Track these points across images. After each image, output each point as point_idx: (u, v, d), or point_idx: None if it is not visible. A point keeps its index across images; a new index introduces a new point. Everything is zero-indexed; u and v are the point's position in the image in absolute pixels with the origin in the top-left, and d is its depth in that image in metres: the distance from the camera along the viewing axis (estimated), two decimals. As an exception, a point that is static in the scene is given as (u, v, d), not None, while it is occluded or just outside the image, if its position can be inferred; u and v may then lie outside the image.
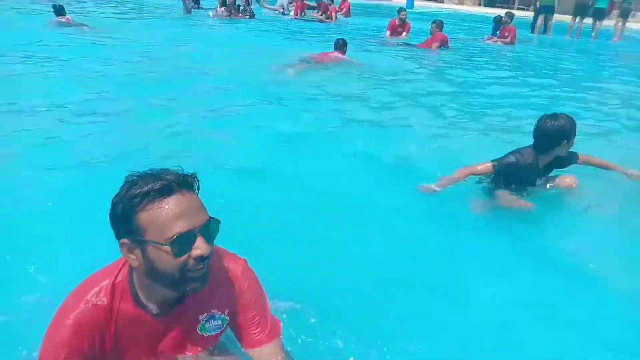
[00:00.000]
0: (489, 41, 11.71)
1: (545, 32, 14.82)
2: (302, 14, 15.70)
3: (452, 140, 4.71)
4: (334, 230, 2.88)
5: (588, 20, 15.23)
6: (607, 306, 2.36)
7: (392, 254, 2.69)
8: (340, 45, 7.84)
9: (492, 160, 3.12)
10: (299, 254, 2.57)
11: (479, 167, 3.15)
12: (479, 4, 34.80)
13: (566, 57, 11.24)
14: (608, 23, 15.79)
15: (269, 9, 16.79)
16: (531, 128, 3.14)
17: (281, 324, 1.67)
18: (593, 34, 14.95)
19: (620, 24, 15.31)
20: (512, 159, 3.07)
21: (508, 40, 11.31)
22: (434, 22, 10.20)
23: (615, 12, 15.85)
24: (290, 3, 16.60)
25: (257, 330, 1.57)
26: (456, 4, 33.14)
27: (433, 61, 9.28)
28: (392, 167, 3.94)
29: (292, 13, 15.95)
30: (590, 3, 14.84)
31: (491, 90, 7.17)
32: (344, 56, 7.86)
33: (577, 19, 14.89)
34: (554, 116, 3.01)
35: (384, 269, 2.54)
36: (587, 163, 3.38)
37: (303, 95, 6.08)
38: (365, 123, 5.11)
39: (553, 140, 3.01)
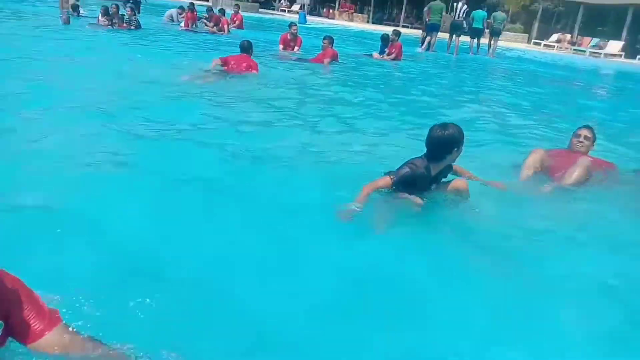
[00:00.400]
0: (377, 57, 12.21)
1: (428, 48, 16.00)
2: (194, 26, 15.30)
3: (349, 150, 4.75)
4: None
5: (465, 38, 16.84)
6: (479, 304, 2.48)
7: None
8: (247, 49, 7.96)
9: (389, 174, 3.22)
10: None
11: (380, 182, 3.23)
12: (368, 22, 36.44)
13: (446, 71, 12.20)
14: (483, 41, 17.69)
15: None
16: (415, 136, 3.25)
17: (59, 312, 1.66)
18: (470, 52, 16.78)
19: (492, 42, 17.11)
20: (406, 170, 3.17)
21: (393, 56, 11.89)
22: (325, 38, 10.44)
23: (487, 31, 17.77)
24: (181, 14, 16.11)
25: (36, 323, 1.56)
26: (347, 20, 34.36)
27: (325, 75, 9.46)
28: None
29: (182, 24, 15.49)
30: (464, 23, 16.29)
31: (379, 102, 7.48)
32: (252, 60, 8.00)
33: (454, 36, 16.28)
34: (444, 126, 3.13)
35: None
36: (458, 173, 3.57)
37: (206, 104, 5.88)
38: (262, 135, 5.02)
39: (444, 148, 3.15)
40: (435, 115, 6.67)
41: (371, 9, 37.52)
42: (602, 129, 7.10)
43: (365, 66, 11.24)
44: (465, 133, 3.18)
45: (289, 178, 3.86)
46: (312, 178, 3.85)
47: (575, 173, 3.97)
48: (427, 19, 16.15)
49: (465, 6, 16.27)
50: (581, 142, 4.36)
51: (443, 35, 16.96)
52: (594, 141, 4.43)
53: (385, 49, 12.18)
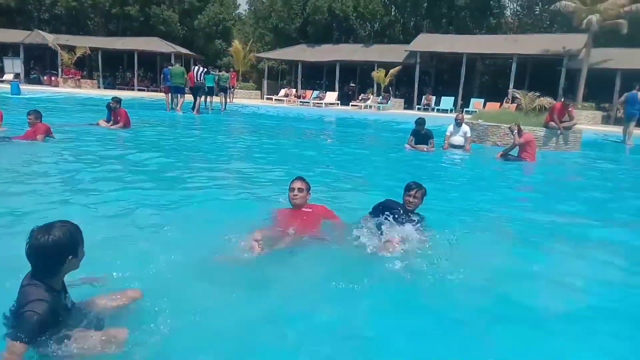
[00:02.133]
0: (103, 125, 11.23)
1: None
2: None
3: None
4: None
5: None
6: None
7: None
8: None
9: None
10: None
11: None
12: (98, 87, 34.37)
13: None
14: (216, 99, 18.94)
15: None
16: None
17: None
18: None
19: (222, 98, 20.56)
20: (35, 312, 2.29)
21: (121, 125, 11.10)
22: (29, 113, 8.98)
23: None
24: None
25: None
26: (73, 87, 31.70)
27: (44, 153, 8.15)
28: None
29: None
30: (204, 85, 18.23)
31: (108, 171, 6.74)
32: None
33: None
34: (47, 229, 2.40)
35: None
36: None
37: None
38: None
39: (53, 259, 2.41)
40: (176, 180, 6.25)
41: (100, 73, 35.53)
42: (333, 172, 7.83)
43: (90, 136, 10.15)
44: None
45: None
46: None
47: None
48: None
49: (202, 69, 18.35)
50: (295, 195, 4.45)
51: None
52: (308, 190, 4.57)
53: (112, 117, 11.30)
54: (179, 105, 17.58)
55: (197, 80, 17.58)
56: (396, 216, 4.33)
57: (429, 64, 32.59)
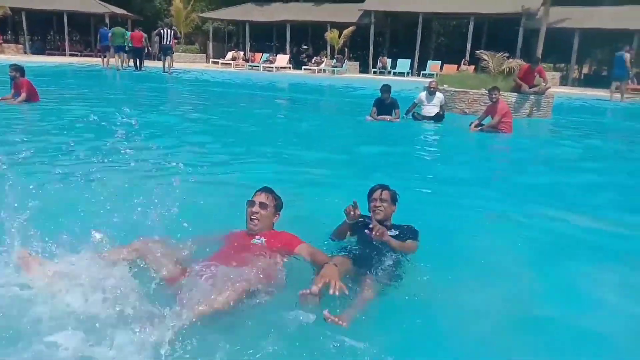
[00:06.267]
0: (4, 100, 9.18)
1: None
2: None
3: None
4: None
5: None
6: None
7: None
8: None
9: None
10: None
11: None
12: (25, 52, 30.96)
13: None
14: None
15: None
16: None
17: None
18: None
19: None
20: None
21: (23, 97, 9.00)
22: None
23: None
24: None
25: None
26: (-4, 52, 28.32)
27: None
28: None
29: None
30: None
31: None
32: None
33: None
34: None
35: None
36: None
37: None
38: None
39: None
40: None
41: (25, 37, 32.02)
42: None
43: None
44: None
45: None
46: None
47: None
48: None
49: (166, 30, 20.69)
50: (254, 212, 3.00)
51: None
52: (277, 208, 3.18)
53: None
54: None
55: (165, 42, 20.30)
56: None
57: (384, 24, 31.02)
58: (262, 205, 2.98)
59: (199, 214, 3.52)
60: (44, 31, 36.48)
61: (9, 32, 34.12)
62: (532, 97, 11.61)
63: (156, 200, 2.77)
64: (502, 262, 3.36)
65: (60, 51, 32.85)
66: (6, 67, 9.62)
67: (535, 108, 11.73)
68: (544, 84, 11.77)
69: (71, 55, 31.40)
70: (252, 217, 2.97)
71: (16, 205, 2.54)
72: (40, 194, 2.89)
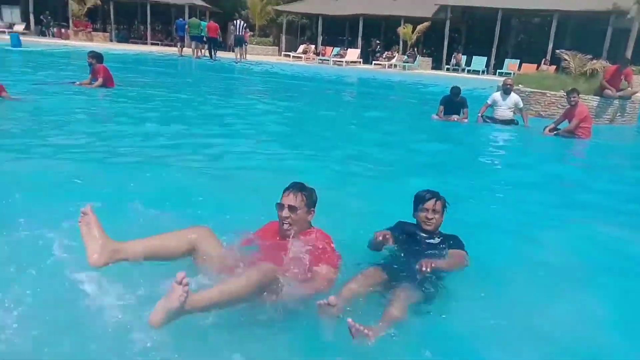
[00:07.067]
0: (81, 85, 9.68)
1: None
2: None
3: None
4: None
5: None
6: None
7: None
8: None
9: None
10: None
11: None
12: (111, 40, 32.75)
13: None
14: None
15: None
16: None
17: None
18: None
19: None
20: None
21: (99, 83, 9.46)
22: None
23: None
24: None
25: None
26: (85, 40, 30.16)
27: None
28: None
29: None
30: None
31: None
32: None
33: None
34: None
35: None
36: None
37: None
38: None
39: None
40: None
41: (112, 26, 33.87)
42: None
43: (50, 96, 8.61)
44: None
45: None
46: None
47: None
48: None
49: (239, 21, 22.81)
50: (285, 217, 2.90)
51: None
52: (309, 206, 3.06)
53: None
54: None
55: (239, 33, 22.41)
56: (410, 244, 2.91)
57: (460, 21, 29.98)
58: (292, 209, 2.70)
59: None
60: (129, 21, 38.39)
61: (99, 21, 36.21)
62: (616, 101, 10.73)
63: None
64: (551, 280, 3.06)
65: (142, 40, 34.48)
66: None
67: (619, 114, 10.84)
68: (630, 88, 10.85)
69: (152, 44, 32.89)
70: (283, 222, 2.72)
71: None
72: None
